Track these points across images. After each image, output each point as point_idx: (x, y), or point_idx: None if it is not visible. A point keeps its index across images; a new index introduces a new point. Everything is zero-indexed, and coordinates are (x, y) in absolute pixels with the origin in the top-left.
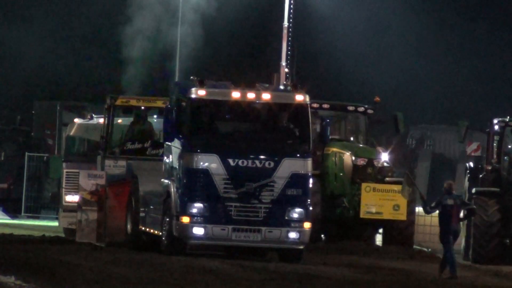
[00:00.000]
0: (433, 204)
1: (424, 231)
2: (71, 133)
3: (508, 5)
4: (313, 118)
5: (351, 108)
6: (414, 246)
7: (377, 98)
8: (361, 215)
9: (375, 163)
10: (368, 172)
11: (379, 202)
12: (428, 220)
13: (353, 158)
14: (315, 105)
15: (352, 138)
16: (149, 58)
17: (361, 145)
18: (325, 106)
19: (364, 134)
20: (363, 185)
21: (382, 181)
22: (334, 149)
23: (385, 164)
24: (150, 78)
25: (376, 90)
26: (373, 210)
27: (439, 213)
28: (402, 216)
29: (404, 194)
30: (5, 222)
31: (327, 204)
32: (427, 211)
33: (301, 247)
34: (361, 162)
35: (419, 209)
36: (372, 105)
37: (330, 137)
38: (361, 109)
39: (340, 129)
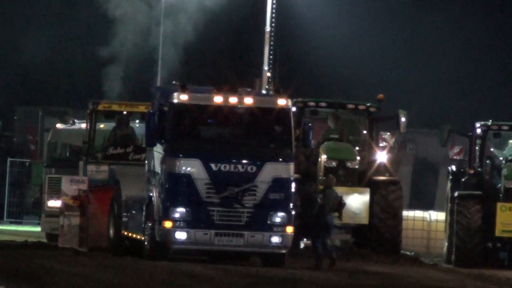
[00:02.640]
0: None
1: (407, 235)
2: (53, 139)
3: (491, 10)
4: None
5: (351, 106)
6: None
7: (381, 96)
8: None
9: (348, 164)
10: (339, 174)
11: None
12: (410, 224)
13: (325, 159)
14: (311, 104)
15: (350, 137)
16: (131, 64)
17: (338, 145)
18: (323, 104)
19: (366, 133)
20: (320, 188)
21: (353, 185)
22: (320, 150)
23: (380, 163)
24: (132, 83)
25: (359, 93)
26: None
27: (318, 207)
28: (364, 219)
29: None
30: None
31: (308, 208)
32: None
33: (284, 251)
34: (332, 163)
35: (408, 214)
36: (375, 102)
37: (330, 136)
38: (362, 107)
39: (338, 128)
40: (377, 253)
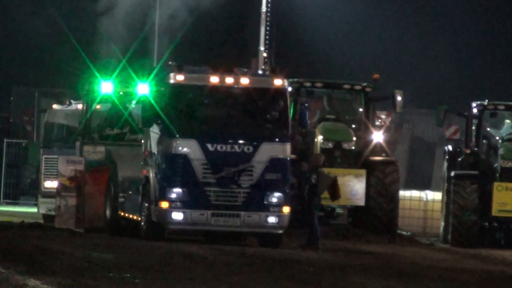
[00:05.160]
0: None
1: (403, 215)
2: (50, 119)
3: None
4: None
5: (347, 86)
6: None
7: (376, 75)
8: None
9: (345, 145)
10: (335, 156)
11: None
12: (407, 204)
13: (321, 140)
14: (307, 84)
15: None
16: (126, 44)
17: (334, 126)
18: (319, 84)
19: (362, 113)
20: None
21: (350, 166)
22: (316, 131)
23: (375, 143)
24: (127, 63)
25: (356, 74)
26: (327, 196)
27: (310, 187)
28: (360, 201)
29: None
30: None
31: (300, 188)
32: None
33: (280, 231)
34: (328, 145)
35: (404, 194)
36: (371, 82)
37: (326, 116)
38: (358, 87)
39: (335, 108)
40: (374, 233)
